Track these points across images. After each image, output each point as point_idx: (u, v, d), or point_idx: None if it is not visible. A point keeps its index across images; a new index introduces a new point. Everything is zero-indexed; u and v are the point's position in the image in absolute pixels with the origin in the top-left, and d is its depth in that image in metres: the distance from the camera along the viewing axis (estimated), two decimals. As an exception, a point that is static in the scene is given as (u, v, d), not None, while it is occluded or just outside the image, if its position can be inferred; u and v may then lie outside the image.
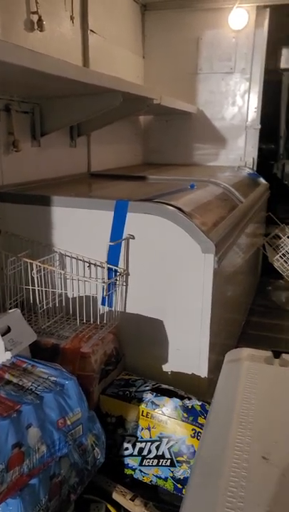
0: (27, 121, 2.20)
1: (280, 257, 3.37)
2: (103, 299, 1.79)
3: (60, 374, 1.31)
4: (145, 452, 1.51)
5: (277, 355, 1.39)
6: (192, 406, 1.53)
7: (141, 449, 1.52)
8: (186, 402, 1.54)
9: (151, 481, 1.51)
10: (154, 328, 1.78)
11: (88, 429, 1.34)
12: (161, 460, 1.49)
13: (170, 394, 1.58)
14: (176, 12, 3.50)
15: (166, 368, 1.80)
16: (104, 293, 1.75)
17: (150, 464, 1.50)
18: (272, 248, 3.45)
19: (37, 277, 1.65)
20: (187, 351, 1.75)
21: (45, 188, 2.14)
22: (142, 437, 1.53)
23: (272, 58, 4.23)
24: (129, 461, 1.53)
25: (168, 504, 1.46)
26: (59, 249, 1.83)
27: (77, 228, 1.81)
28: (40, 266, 1.66)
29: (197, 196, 2.16)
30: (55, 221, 1.84)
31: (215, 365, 1.72)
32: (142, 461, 1.52)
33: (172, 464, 1.48)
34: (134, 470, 1.53)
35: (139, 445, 1.52)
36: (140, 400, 1.56)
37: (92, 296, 1.80)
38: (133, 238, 1.73)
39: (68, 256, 1.83)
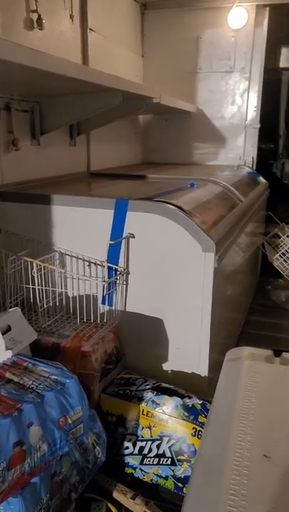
0: (27, 120, 2.20)
1: (280, 256, 3.38)
2: (103, 297, 1.79)
3: (61, 373, 1.31)
4: (146, 451, 1.51)
5: (277, 353, 1.39)
6: (193, 405, 1.53)
7: (141, 448, 1.52)
8: (187, 400, 1.54)
9: (151, 480, 1.51)
10: (155, 327, 1.78)
11: (89, 427, 1.34)
12: (161, 459, 1.49)
13: (170, 393, 1.58)
14: (175, 11, 3.50)
15: (167, 366, 1.81)
16: (105, 292, 1.74)
17: (151, 462, 1.50)
18: (272, 247, 3.45)
19: (37, 276, 1.65)
20: (187, 350, 1.75)
21: (44, 186, 2.14)
22: (142, 436, 1.53)
23: (272, 57, 4.23)
24: (129, 459, 1.53)
25: (168, 503, 1.46)
26: (59, 248, 1.83)
27: (78, 227, 1.81)
28: (40, 265, 1.66)
29: (197, 195, 2.16)
30: (55, 220, 1.84)
31: (215, 364, 1.72)
32: (142, 459, 1.52)
33: (173, 463, 1.48)
34: (134, 469, 1.53)
35: (139, 444, 1.53)
36: (141, 399, 1.56)
37: (93, 295, 1.80)
38: (133, 237, 1.73)
39: (68, 255, 1.83)
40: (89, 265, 1.80)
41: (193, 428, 1.48)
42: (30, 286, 1.68)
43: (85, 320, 1.78)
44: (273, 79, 4.35)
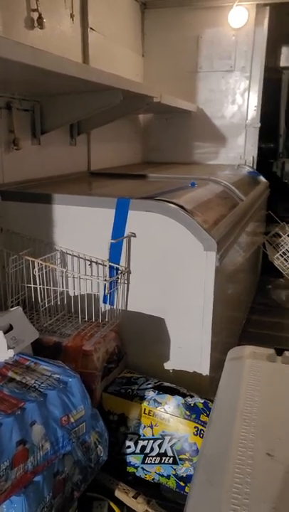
0: (27, 119, 2.19)
1: (280, 255, 3.38)
2: (105, 297, 1.79)
3: (64, 371, 1.31)
4: (147, 450, 1.51)
5: (279, 352, 1.39)
6: (194, 404, 1.53)
7: (143, 447, 1.52)
8: (189, 399, 1.54)
9: (153, 479, 1.51)
10: (156, 326, 1.78)
11: (91, 426, 1.34)
12: (163, 458, 1.49)
13: (172, 392, 1.58)
14: (175, 10, 3.50)
15: (168, 365, 1.80)
16: (106, 291, 1.74)
17: (152, 461, 1.50)
18: (273, 246, 3.45)
19: (38, 275, 1.65)
20: (189, 349, 1.75)
21: (45, 186, 2.14)
22: (144, 435, 1.53)
23: (272, 56, 4.23)
24: (131, 459, 1.53)
25: (170, 502, 1.46)
26: (60, 248, 1.83)
27: (79, 226, 1.81)
28: (41, 264, 1.66)
29: (198, 194, 2.16)
30: (57, 219, 1.83)
31: (216, 363, 1.72)
32: (144, 459, 1.52)
33: (175, 462, 1.48)
34: (136, 468, 1.53)
35: (141, 443, 1.53)
36: (142, 398, 1.56)
37: (94, 295, 1.80)
38: (134, 236, 1.73)
39: (70, 254, 1.83)
40: (90, 264, 1.80)
41: (195, 427, 1.48)
42: (32, 285, 1.68)
43: (86, 319, 1.78)
44: (274, 78, 4.35)
